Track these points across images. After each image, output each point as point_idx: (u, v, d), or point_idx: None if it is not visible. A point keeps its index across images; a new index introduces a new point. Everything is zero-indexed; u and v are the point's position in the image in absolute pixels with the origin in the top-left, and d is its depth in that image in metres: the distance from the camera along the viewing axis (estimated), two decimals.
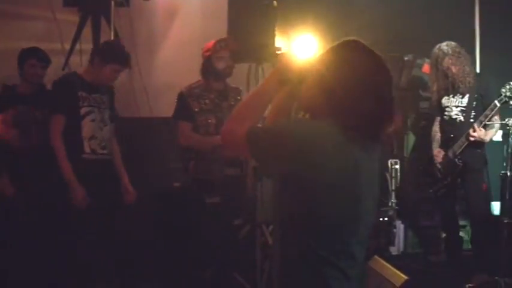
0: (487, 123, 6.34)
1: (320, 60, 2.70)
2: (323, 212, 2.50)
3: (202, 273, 5.94)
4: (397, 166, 7.44)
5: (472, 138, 6.35)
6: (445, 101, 6.69)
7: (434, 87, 6.71)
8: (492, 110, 6.24)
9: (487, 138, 6.42)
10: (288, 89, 2.80)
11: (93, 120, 5.41)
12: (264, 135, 2.55)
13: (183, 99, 5.93)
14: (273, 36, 7.18)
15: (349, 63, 2.60)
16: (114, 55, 5.47)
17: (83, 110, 5.36)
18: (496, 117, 6.40)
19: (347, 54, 2.66)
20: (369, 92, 2.53)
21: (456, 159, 6.52)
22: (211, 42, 5.90)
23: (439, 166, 6.66)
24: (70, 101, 5.34)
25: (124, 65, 5.57)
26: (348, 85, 2.53)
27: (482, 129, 6.33)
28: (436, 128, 6.86)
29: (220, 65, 5.80)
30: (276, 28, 7.30)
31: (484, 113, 6.30)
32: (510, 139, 5.81)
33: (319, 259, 2.51)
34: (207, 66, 5.94)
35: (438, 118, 6.84)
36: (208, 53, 5.93)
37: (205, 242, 5.84)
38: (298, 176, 2.47)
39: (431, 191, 6.82)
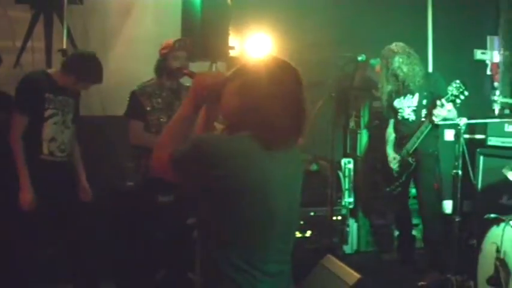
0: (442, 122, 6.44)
1: (239, 76, 2.77)
2: (235, 221, 2.63)
3: (156, 273, 5.91)
4: (351, 165, 7.48)
5: (435, 118, 6.37)
6: (397, 103, 6.76)
7: (384, 88, 6.77)
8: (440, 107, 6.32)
9: (449, 114, 6.49)
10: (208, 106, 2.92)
11: (55, 123, 5.31)
12: (184, 155, 2.65)
13: (135, 97, 5.87)
14: (227, 35, 7.18)
15: (268, 81, 2.69)
16: (90, 75, 5.40)
17: (47, 113, 5.25)
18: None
19: (265, 72, 2.72)
20: (285, 109, 2.66)
21: (410, 158, 6.58)
22: (170, 40, 5.85)
23: (394, 166, 6.72)
24: (35, 102, 5.23)
25: (98, 83, 5.53)
26: (265, 102, 2.65)
27: (444, 109, 6.35)
28: (390, 129, 6.93)
29: (175, 65, 5.74)
30: (230, 27, 7.31)
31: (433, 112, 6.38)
32: (461, 139, 5.87)
33: (232, 265, 2.64)
34: (162, 64, 5.88)
35: (392, 120, 6.91)
36: (165, 51, 5.87)
37: (158, 242, 5.81)
38: (213, 188, 2.61)
39: (388, 189, 6.86)
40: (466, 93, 6.16)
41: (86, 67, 5.41)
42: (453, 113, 6.48)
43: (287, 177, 2.78)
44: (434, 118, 6.37)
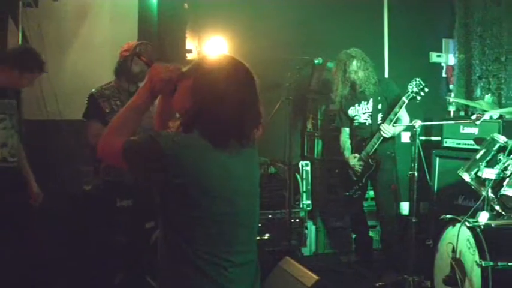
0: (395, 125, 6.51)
1: (193, 73, 2.80)
2: (195, 216, 2.65)
3: (114, 277, 5.86)
4: (308, 168, 7.50)
5: (384, 134, 6.49)
6: (351, 111, 6.83)
7: (339, 91, 6.81)
8: (401, 107, 6.39)
9: (397, 131, 6.61)
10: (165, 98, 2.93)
11: (4, 128, 5.23)
12: (138, 148, 2.67)
13: (93, 100, 5.80)
14: (184, 38, 7.18)
15: (220, 79, 2.73)
16: (31, 64, 5.31)
17: None
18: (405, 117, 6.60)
19: (218, 70, 2.76)
20: (237, 107, 2.70)
21: (369, 160, 6.63)
22: (132, 43, 5.80)
23: (358, 168, 6.76)
24: None
25: (41, 72, 5.43)
26: (216, 100, 2.69)
27: (391, 126, 6.48)
28: (344, 138, 6.98)
29: (136, 69, 5.67)
30: (187, 30, 7.30)
31: (394, 111, 6.45)
32: (417, 141, 5.92)
33: (200, 258, 2.66)
34: (122, 67, 5.81)
35: (345, 129, 6.97)
36: (125, 54, 5.81)
37: (117, 246, 5.77)
38: (171, 185, 2.64)
39: (347, 194, 6.90)
40: (427, 89, 6.25)
41: (28, 56, 5.34)
42: (406, 119, 6.57)
43: (246, 170, 2.81)
44: (383, 134, 6.48)
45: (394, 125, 6.51)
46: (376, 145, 6.61)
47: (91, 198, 6.03)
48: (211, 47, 6.89)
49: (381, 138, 6.57)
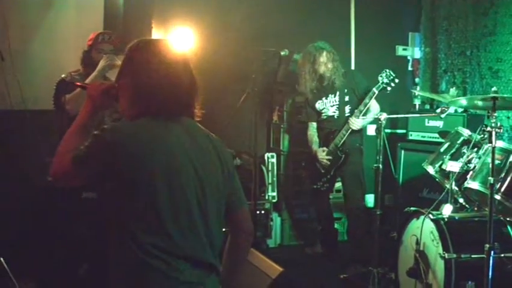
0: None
1: (121, 67, 2.90)
2: (145, 206, 2.65)
3: (78, 268, 5.82)
4: (274, 160, 7.50)
5: (353, 127, 6.51)
6: (319, 104, 6.84)
7: (307, 84, 6.82)
8: (371, 98, 6.42)
9: (366, 123, 6.68)
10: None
11: None
12: (86, 151, 2.69)
13: (64, 84, 5.71)
14: (150, 28, 7.12)
15: (140, 63, 2.82)
16: None
17: None
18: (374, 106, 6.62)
19: (137, 55, 2.85)
20: (164, 83, 2.77)
21: (338, 151, 6.65)
22: (97, 32, 5.75)
23: (322, 162, 6.77)
24: None
25: None
26: (143, 82, 2.77)
27: (360, 119, 6.51)
28: (311, 132, 7.00)
29: (99, 58, 5.63)
30: (153, 20, 7.25)
31: (364, 102, 6.48)
32: (382, 133, 5.95)
33: (148, 253, 2.63)
34: (87, 57, 5.77)
35: (313, 123, 6.98)
36: (89, 43, 5.77)
37: (81, 237, 5.72)
38: (120, 176, 2.66)
39: (315, 187, 6.91)
40: (397, 80, 6.30)
41: None
42: (376, 108, 6.60)
43: (199, 158, 2.80)
44: (351, 126, 6.50)
45: (363, 117, 6.53)
46: (345, 137, 6.63)
47: (56, 190, 5.98)
48: (177, 37, 6.84)
49: (350, 130, 6.59)
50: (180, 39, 6.76)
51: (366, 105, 6.47)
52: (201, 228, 2.75)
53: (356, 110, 6.54)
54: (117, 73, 2.92)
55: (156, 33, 7.11)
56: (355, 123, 6.53)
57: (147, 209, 2.64)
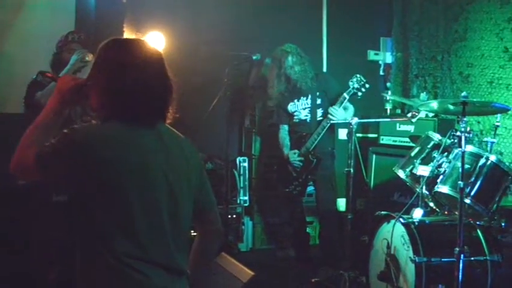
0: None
1: (93, 66, 2.83)
2: (115, 212, 2.62)
3: (49, 272, 5.77)
4: (246, 164, 7.49)
5: (333, 118, 6.49)
6: (291, 107, 6.84)
7: (275, 88, 6.82)
8: (342, 103, 6.44)
9: (348, 117, 6.63)
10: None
11: None
12: (53, 149, 2.62)
13: (36, 84, 5.67)
14: (121, 32, 7.09)
15: (113, 63, 2.75)
16: None
17: None
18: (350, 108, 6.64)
19: (110, 55, 2.78)
20: (137, 86, 2.71)
21: (310, 156, 6.66)
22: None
23: (294, 165, 6.77)
24: None
25: None
26: (116, 84, 2.70)
27: (341, 110, 6.50)
28: (283, 134, 6.99)
29: (68, 57, 5.60)
30: (125, 24, 7.22)
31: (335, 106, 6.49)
32: (354, 138, 5.97)
33: (117, 259, 2.59)
34: (57, 58, 5.73)
35: (284, 126, 6.98)
36: (59, 43, 5.74)
37: (51, 241, 5.68)
38: (90, 179, 2.60)
39: (287, 190, 6.91)
40: (368, 85, 6.31)
41: None
42: (351, 112, 6.62)
43: (169, 163, 2.78)
44: (331, 117, 6.49)
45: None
46: (317, 141, 6.63)
47: (27, 193, 5.93)
48: (149, 41, 6.81)
49: (322, 134, 6.59)
50: (152, 43, 6.73)
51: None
52: (170, 234, 2.73)
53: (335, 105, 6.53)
54: (89, 71, 2.87)
55: (127, 37, 7.08)
56: (335, 113, 6.48)
57: (117, 216, 2.61)
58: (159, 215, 2.70)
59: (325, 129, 6.59)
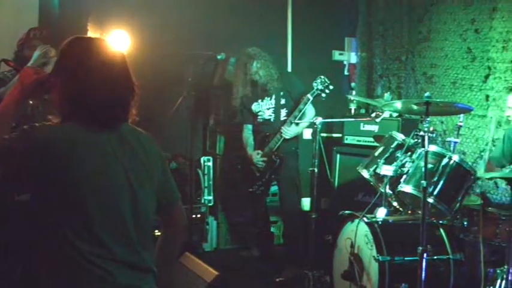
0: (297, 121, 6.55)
1: (56, 63, 2.81)
2: (76, 211, 2.59)
3: (13, 273, 5.71)
4: (210, 163, 7.48)
5: (285, 136, 6.54)
6: (255, 107, 6.84)
7: (240, 92, 6.81)
8: (306, 104, 6.44)
9: (300, 130, 6.68)
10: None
11: None
12: (10, 144, 2.58)
13: (0, 80, 5.60)
14: (86, 30, 7.03)
15: (75, 62, 2.72)
16: None
17: None
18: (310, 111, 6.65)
19: (73, 54, 2.76)
20: (99, 86, 2.69)
21: (273, 156, 6.66)
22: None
23: (257, 165, 6.77)
24: None
25: None
26: (78, 84, 2.68)
27: (292, 127, 6.53)
28: (247, 134, 7.00)
29: (32, 55, 5.53)
30: (89, 22, 7.16)
31: (298, 108, 6.49)
32: (318, 137, 5.98)
33: (73, 256, 2.57)
34: (19, 56, 5.66)
35: (249, 125, 6.98)
36: (21, 41, 5.67)
37: (14, 241, 5.62)
38: (44, 180, 2.57)
39: (250, 190, 6.90)
40: (331, 87, 6.32)
41: None
42: (311, 114, 6.63)
43: (131, 162, 2.76)
44: (284, 135, 6.52)
45: (297, 121, 6.54)
46: (280, 141, 6.64)
47: None
48: (113, 40, 6.76)
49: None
50: (116, 41, 6.69)
51: (300, 111, 6.49)
52: (134, 232, 2.72)
53: (290, 117, 6.56)
54: (52, 68, 2.84)
55: (91, 35, 7.02)
56: (288, 132, 6.55)
57: (77, 216, 2.58)
58: (121, 215, 2.68)
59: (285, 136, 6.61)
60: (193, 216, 6.98)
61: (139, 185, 2.77)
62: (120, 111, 2.77)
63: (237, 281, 6.34)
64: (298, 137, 6.92)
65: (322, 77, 6.37)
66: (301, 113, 6.50)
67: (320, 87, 6.34)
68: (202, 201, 7.33)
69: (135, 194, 2.74)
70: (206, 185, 7.38)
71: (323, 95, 6.37)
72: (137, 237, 2.73)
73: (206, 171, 7.40)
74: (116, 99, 2.74)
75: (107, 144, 2.70)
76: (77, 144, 2.61)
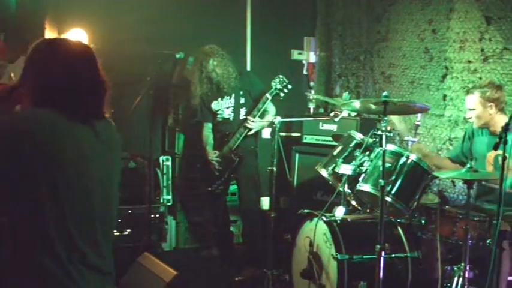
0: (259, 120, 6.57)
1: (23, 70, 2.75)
2: (52, 205, 2.51)
3: None
4: (169, 163, 7.44)
5: (250, 126, 6.53)
6: (215, 105, 6.83)
7: (197, 91, 6.80)
8: (264, 103, 6.45)
9: (265, 125, 6.69)
10: None
11: None
12: None
13: None
14: (43, 29, 6.96)
15: (42, 64, 2.69)
16: None
17: None
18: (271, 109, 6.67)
19: (42, 56, 2.71)
20: (69, 84, 2.66)
21: (232, 155, 6.66)
22: None
23: (216, 164, 6.76)
24: None
25: None
26: (47, 83, 2.65)
27: (257, 119, 6.53)
28: (207, 132, 6.98)
29: None
30: (46, 21, 7.08)
31: (256, 107, 6.50)
32: (277, 136, 5.99)
33: (50, 259, 2.51)
34: None
35: (209, 124, 6.96)
36: None
37: None
38: (27, 168, 2.49)
39: (210, 189, 6.88)
40: (290, 86, 6.34)
41: None
42: (273, 111, 6.64)
43: (104, 157, 2.74)
44: (248, 126, 6.53)
45: (259, 119, 6.55)
46: (239, 140, 6.64)
47: None
48: (71, 39, 6.70)
49: (244, 133, 6.62)
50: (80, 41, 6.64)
51: (259, 110, 6.51)
52: (102, 237, 2.69)
53: (253, 111, 6.57)
54: (6, 76, 2.81)
55: (49, 34, 6.95)
56: (252, 124, 6.55)
57: (53, 215, 2.51)
58: (92, 219, 2.65)
59: (246, 131, 6.61)
60: (152, 216, 6.92)
61: (110, 187, 2.76)
62: (90, 105, 2.73)
63: (196, 280, 6.33)
64: (257, 136, 6.92)
65: (280, 76, 6.39)
66: (259, 112, 6.51)
67: (278, 86, 6.36)
68: (161, 200, 7.28)
69: (106, 197, 2.72)
70: (165, 184, 7.34)
71: (281, 94, 6.39)
72: (105, 241, 2.71)
73: (165, 171, 7.36)
74: (86, 94, 2.70)
75: (83, 141, 2.66)
76: (57, 134, 2.56)
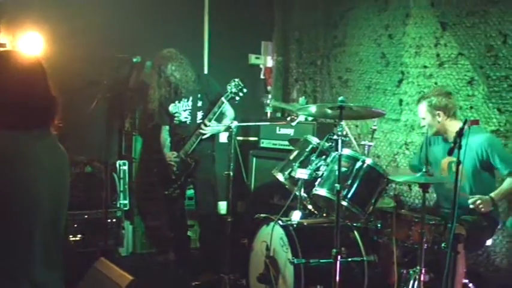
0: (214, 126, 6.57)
1: None
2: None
3: None
4: (126, 167, 7.40)
5: (203, 131, 6.53)
6: (172, 108, 6.80)
7: (156, 94, 6.77)
8: (219, 107, 6.44)
9: (221, 129, 6.73)
10: None
11: None
12: None
13: None
14: None
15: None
16: None
17: None
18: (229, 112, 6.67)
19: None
20: (17, 98, 2.65)
21: (188, 159, 6.64)
22: None
23: (173, 168, 6.73)
24: None
25: None
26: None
27: (213, 123, 6.53)
28: (165, 135, 6.94)
29: None
30: (1, 25, 7.00)
31: (212, 110, 6.49)
32: (234, 141, 5.99)
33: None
34: None
35: (166, 126, 6.94)
36: None
37: None
38: None
39: (166, 193, 6.85)
40: (245, 90, 6.34)
41: None
42: (231, 114, 6.65)
43: (51, 172, 2.71)
44: (202, 131, 6.52)
45: (214, 122, 6.55)
46: (195, 144, 6.62)
47: None
48: (26, 42, 6.63)
49: (200, 137, 6.60)
50: (29, 44, 6.57)
51: (214, 114, 6.50)
52: (54, 254, 2.68)
53: (205, 120, 6.56)
54: None
55: (3, 38, 6.87)
56: (205, 129, 6.54)
57: (5, 235, 2.51)
58: (44, 236, 2.64)
59: (201, 136, 6.60)
60: (109, 220, 6.88)
61: (62, 204, 2.74)
62: (41, 118, 2.72)
63: (153, 285, 6.32)
64: (214, 140, 6.92)
65: (236, 80, 6.39)
66: (215, 116, 6.51)
67: (234, 90, 6.35)
68: (118, 205, 7.23)
69: (57, 213, 2.70)
70: (122, 189, 7.29)
71: (237, 98, 6.38)
72: (57, 259, 2.69)
73: (122, 175, 7.31)
74: (34, 106, 2.69)
75: (34, 157, 2.64)
76: (6, 155, 2.55)
